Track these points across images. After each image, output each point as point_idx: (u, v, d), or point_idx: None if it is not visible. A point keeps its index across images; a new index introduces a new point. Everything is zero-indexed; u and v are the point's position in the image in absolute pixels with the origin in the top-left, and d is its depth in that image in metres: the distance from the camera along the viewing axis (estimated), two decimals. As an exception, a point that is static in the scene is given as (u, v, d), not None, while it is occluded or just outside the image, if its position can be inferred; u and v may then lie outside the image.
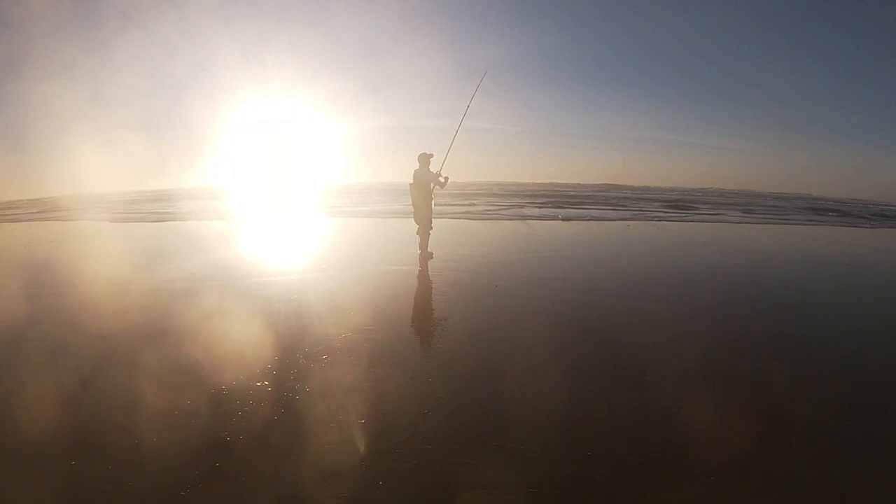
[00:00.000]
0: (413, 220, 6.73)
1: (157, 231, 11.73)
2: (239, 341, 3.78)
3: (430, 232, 6.76)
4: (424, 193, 6.46)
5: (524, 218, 14.36)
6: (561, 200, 23.05)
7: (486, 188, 34.88)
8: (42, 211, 20.35)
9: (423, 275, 5.97)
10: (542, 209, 18.08)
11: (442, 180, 6.40)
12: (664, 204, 22.59)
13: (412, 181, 6.50)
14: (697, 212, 19.01)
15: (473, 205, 19.44)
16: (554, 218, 14.57)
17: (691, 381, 3.10)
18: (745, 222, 15.32)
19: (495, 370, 3.19)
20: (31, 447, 2.31)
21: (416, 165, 6.41)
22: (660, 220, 14.72)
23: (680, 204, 22.83)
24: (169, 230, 11.60)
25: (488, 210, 17.32)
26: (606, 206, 20.08)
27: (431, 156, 6.43)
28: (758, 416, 2.64)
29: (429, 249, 6.75)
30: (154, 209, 19.07)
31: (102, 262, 5.81)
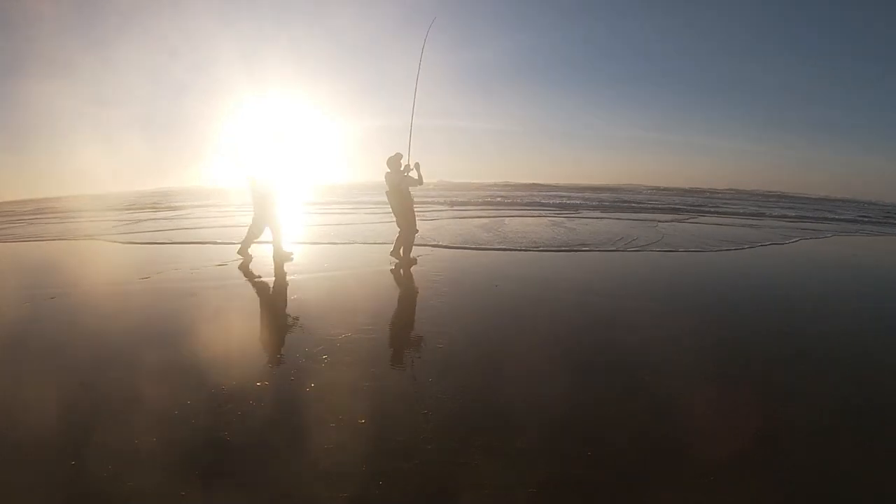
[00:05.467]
0: (396, 225, 6.39)
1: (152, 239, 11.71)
2: (239, 341, 3.78)
3: (416, 235, 6.47)
4: (402, 199, 6.18)
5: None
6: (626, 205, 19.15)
7: (493, 191, 30.52)
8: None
9: (407, 277, 5.87)
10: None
11: (415, 175, 6.04)
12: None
13: (387, 188, 6.20)
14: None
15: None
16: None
17: (693, 381, 3.10)
18: None
19: (495, 370, 3.20)
20: (31, 448, 2.31)
21: (388, 170, 6.10)
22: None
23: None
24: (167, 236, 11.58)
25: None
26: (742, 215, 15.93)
27: (401, 156, 6.10)
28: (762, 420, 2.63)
29: (412, 255, 6.40)
30: (149, 216, 18.93)
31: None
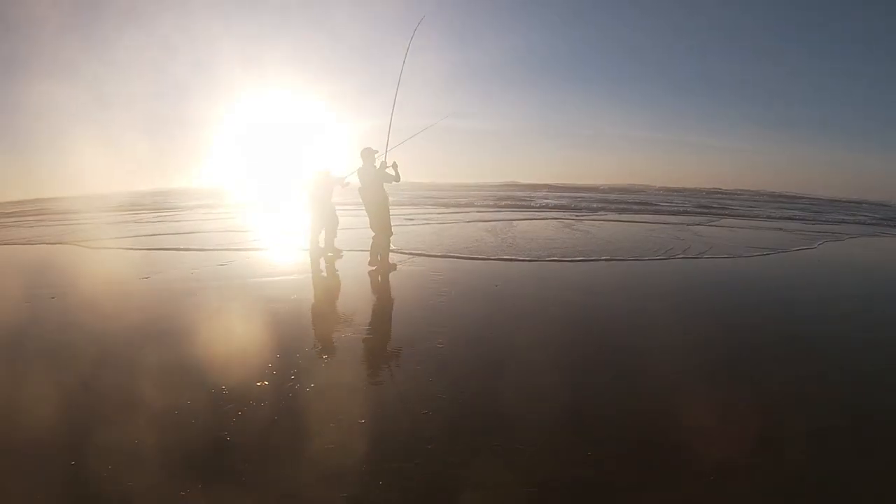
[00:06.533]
0: (370, 228, 5.89)
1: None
2: (239, 341, 3.78)
3: (392, 239, 6.03)
4: (377, 195, 5.71)
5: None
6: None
7: (501, 191, 27.93)
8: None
9: (385, 280, 5.67)
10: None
11: (392, 172, 5.63)
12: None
13: (360, 185, 5.74)
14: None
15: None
16: None
17: (693, 381, 3.10)
18: None
19: (495, 370, 3.19)
20: (31, 448, 2.31)
21: (362, 165, 5.66)
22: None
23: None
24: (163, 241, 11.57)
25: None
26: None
27: (377, 152, 5.67)
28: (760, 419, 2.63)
29: (390, 261, 6.03)
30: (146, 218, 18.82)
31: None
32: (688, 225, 12.21)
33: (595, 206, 19.06)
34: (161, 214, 16.73)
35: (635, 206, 19.11)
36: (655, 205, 20.40)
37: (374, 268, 5.91)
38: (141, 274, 6.07)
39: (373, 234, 5.92)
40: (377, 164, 5.68)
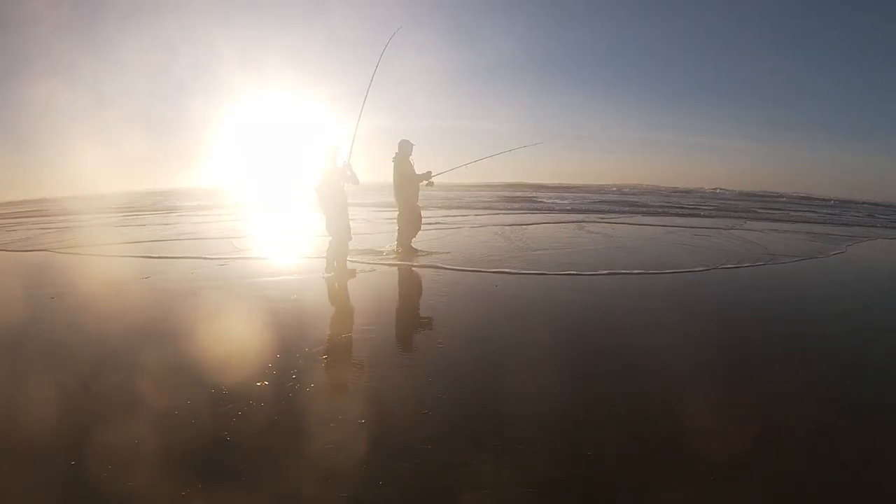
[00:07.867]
0: (326, 231, 5.52)
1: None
2: (239, 341, 3.77)
3: (350, 243, 5.60)
4: (335, 196, 5.41)
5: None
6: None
7: (510, 191, 26.41)
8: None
9: (342, 287, 5.32)
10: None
11: (349, 173, 5.44)
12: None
13: (317, 184, 5.39)
14: None
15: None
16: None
17: (694, 380, 3.10)
18: None
19: (495, 370, 3.19)
20: (31, 448, 2.31)
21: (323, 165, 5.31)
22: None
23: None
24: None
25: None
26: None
27: (336, 147, 5.43)
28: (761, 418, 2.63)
29: (348, 267, 5.64)
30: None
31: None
32: (724, 229, 11.28)
33: (612, 208, 18.04)
34: (160, 215, 16.73)
35: (657, 208, 18.14)
36: (673, 206, 19.41)
37: (330, 275, 5.48)
38: (141, 275, 6.07)
39: (329, 238, 5.54)
40: (339, 163, 5.42)
